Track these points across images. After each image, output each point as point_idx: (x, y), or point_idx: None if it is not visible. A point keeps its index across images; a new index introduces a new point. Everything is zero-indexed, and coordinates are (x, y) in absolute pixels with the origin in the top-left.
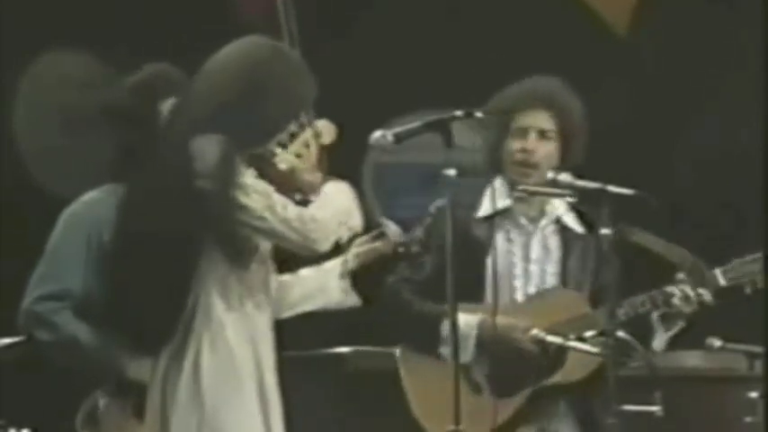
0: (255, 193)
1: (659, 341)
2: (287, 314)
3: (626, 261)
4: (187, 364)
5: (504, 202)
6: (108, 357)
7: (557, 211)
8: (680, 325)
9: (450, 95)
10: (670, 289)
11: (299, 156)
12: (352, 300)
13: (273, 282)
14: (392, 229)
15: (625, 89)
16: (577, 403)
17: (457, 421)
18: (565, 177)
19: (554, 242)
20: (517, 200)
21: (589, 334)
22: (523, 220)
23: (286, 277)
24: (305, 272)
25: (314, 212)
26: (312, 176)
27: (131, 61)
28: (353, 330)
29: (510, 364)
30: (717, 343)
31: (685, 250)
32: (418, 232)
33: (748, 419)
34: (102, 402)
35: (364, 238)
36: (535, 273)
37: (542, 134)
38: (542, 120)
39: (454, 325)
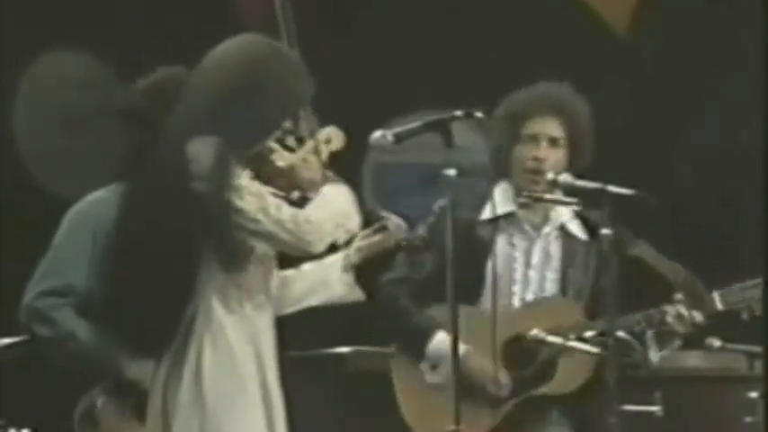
0: (249, 195)
1: (652, 359)
2: (290, 309)
3: (625, 274)
4: (188, 367)
5: (507, 206)
6: (106, 357)
7: (561, 218)
8: (674, 344)
9: (451, 95)
10: (666, 308)
11: (305, 161)
12: (356, 294)
13: (274, 279)
14: (394, 222)
15: (625, 89)
16: (571, 411)
17: (457, 421)
18: (565, 178)
19: (556, 249)
20: (522, 205)
21: (589, 334)
22: (527, 226)
23: (288, 272)
24: (307, 266)
25: (308, 214)
26: (311, 173)
27: (131, 61)
28: (353, 330)
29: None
30: (717, 343)
31: (685, 270)
32: (421, 230)
33: (748, 419)
34: (99, 401)
35: (366, 231)
36: (534, 279)
37: (553, 142)
38: (552, 127)
39: (455, 325)
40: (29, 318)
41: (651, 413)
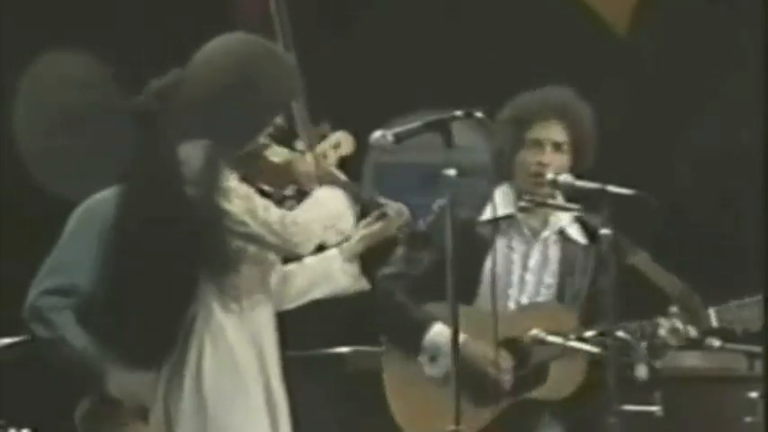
0: (237, 197)
1: (642, 371)
2: (293, 304)
3: (622, 281)
4: (188, 370)
5: (507, 209)
6: (93, 370)
7: (560, 223)
8: (666, 356)
9: (451, 95)
10: (660, 321)
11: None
12: (361, 284)
13: (274, 276)
14: (394, 207)
15: (625, 89)
16: (563, 414)
17: (457, 421)
18: (565, 178)
19: (554, 253)
20: (522, 209)
21: (589, 334)
22: (526, 230)
23: (291, 267)
24: (309, 260)
25: (296, 215)
26: (307, 167)
27: (131, 61)
28: (353, 330)
29: (482, 381)
30: (716, 343)
31: (683, 283)
32: (422, 226)
33: (748, 419)
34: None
35: (367, 219)
36: (531, 282)
37: (557, 147)
38: (556, 132)
39: (455, 324)
40: (30, 316)
41: (651, 413)
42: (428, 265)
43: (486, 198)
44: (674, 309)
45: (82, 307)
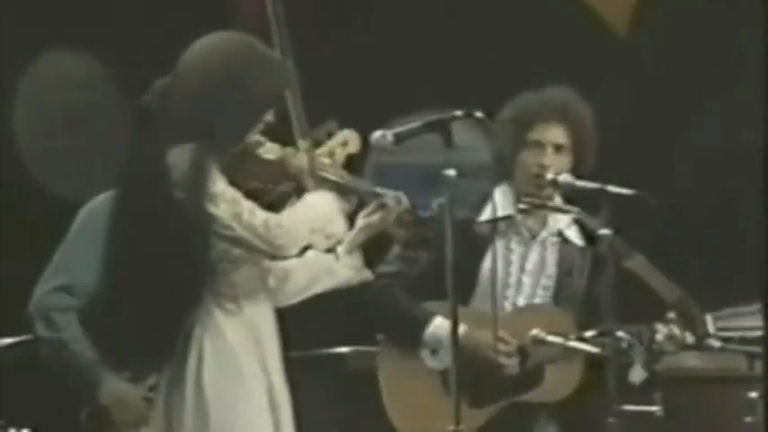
0: (224, 201)
1: (637, 375)
2: (294, 300)
3: (619, 284)
4: (189, 374)
5: (506, 209)
6: (85, 376)
7: (558, 224)
8: (661, 361)
9: (451, 95)
10: (657, 326)
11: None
12: (364, 275)
13: (274, 274)
14: (391, 196)
15: (625, 89)
16: (559, 416)
17: (457, 421)
18: (564, 178)
19: (552, 255)
20: (521, 211)
21: (589, 334)
22: (525, 231)
23: (290, 263)
24: (310, 255)
25: (281, 218)
26: (300, 161)
27: (131, 61)
28: (353, 330)
29: (483, 376)
30: (716, 343)
31: (681, 290)
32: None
33: (748, 419)
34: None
35: (366, 211)
36: (528, 284)
37: (558, 148)
38: (557, 134)
39: (455, 325)
40: (35, 314)
41: (651, 413)
42: (425, 264)
43: (486, 197)
44: (671, 314)
45: (86, 308)
